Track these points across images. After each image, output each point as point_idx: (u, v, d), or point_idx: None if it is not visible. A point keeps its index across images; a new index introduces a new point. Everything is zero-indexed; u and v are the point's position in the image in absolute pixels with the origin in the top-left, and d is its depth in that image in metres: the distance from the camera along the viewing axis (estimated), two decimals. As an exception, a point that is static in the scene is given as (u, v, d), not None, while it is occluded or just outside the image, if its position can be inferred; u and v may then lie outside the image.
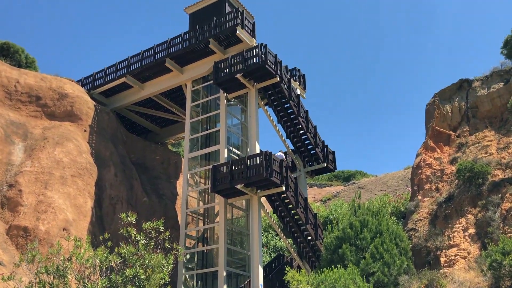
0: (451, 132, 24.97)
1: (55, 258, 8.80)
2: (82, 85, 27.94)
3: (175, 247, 9.56)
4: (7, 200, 18.37)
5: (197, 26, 24.87)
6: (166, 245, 9.35)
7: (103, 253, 8.83)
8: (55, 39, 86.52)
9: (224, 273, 20.77)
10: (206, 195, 25.53)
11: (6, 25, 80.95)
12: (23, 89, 23.22)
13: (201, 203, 25.43)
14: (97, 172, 22.25)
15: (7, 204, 18.28)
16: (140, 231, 9.68)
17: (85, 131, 23.89)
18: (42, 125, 22.74)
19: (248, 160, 20.95)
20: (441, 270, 17.30)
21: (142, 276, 8.26)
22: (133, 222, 9.50)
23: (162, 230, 9.49)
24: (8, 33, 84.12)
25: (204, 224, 24.76)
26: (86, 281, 8.16)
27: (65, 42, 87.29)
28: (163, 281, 8.59)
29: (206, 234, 24.83)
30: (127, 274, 8.27)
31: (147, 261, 8.71)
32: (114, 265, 9.05)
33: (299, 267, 22.66)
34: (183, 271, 22.13)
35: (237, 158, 23.05)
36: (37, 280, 8.40)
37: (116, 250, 9.29)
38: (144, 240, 9.11)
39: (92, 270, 8.65)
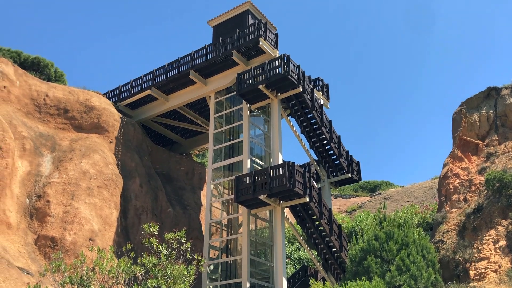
0: (479, 142, 24.38)
1: (79, 268, 8.93)
2: (109, 98, 28.52)
3: (196, 257, 9.56)
4: (35, 210, 18.80)
5: (220, 39, 25.13)
6: (188, 255, 9.36)
7: (126, 263, 8.90)
8: (83, 53, 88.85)
9: (248, 285, 20.68)
10: (230, 206, 25.58)
11: (37, 40, 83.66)
12: (51, 102, 23.85)
13: (224, 213, 25.48)
14: (122, 183, 22.58)
15: (36, 214, 18.71)
16: (163, 241, 9.74)
17: (111, 142, 24.32)
18: (69, 137, 23.26)
19: (271, 171, 20.92)
20: (470, 284, 16.80)
21: (164, 287, 8.29)
22: (156, 233, 9.56)
23: (184, 241, 9.52)
24: (38, 48, 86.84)
25: (227, 235, 24.76)
26: (108, 292, 8.23)
27: (92, 56, 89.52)
28: (185, 292, 8.60)
29: (229, 245, 24.81)
30: (149, 285, 8.31)
31: (169, 272, 8.74)
32: (137, 276, 9.11)
33: (323, 279, 22.38)
34: (207, 282, 22.14)
35: (260, 168, 23.05)
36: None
37: (139, 261, 9.36)
38: (166, 251, 9.15)
39: (115, 281, 8.73)
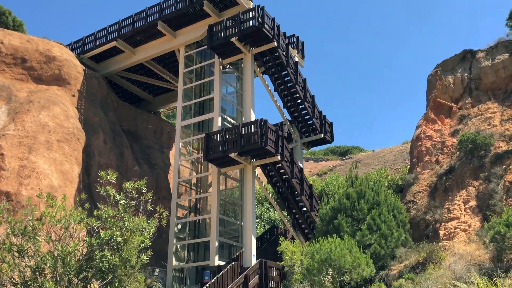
0: (453, 104, 24.16)
1: (27, 219, 8.04)
2: (72, 49, 26.83)
3: (158, 210, 8.78)
4: (-11, 164, 17.53)
5: (192, -12, 23.67)
6: (148, 207, 8.57)
7: (79, 214, 8.05)
8: (45, 2, 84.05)
9: (216, 244, 20.20)
10: (199, 165, 24.80)
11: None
12: (7, 50, 22.13)
13: (193, 173, 24.71)
14: (85, 138, 21.40)
15: (-11, 168, 17.45)
16: (122, 191, 8.88)
17: (73, 96, 22.92)
18: (28, 88, 21.75)
19: (243, 128, 20.13)
20: (440, 243, 16.72)
21: (119, 239, 7.52)
22: (113, 181, 8.70)
23: (144, 191, 8.70)
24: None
25: (196, 194, 24.09)
26: (57, 243, 7.40)
27: (54, 5, 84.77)
28: (143, 244, 7.84)
29: (198, 205, 24.19)
30: (102, 236, 7.51)
31: (126, 224, 7.93)
32: (92, 228, 8.28)
33: (293, 239, 22.11)
34: (174, 241, 21.56)
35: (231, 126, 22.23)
36: (7, 242, 7.65)
37: (95, 214, 8.51)
38: (124, 201, 8.33)
39: (67, 233, 7.88)
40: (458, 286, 10.88)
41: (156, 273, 20.51)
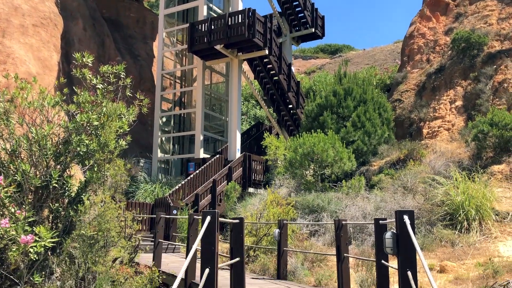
0: (450, 1, 23.07)
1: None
2: None
3: (139, 96, 8.40)
4: (-39, 48, 16.59)
5: None
6: (127, 92, 8.18)
7: (52, 97, 7.65)
8: None
9: (201, 137, 20.24)
10: (184, 58, 24.01)
11: None
12: None
13: (178, 65, 24.00)
14: (63, 24, 20.18)
15: (-38, 53, 16.57)
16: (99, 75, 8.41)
17: (47, -23, 21.18)
18: (-4, -34, 19.93)
19: (229, 18, 19.13)
20: (422, 141, 16.92)
21: (95, 123, 7.23)
22: (90, 64, 8.19)
23: (122, 76, 8.24)
24: None
25: (181, 88, 23.63)
26: (31, 125, 7.10)
27: None
28: (121, 130, 7.59)
29: (183, 99, 23.85)
30: (78, 120, 7.21)
31: (104, 110, 7.59)
32: (73, 116, 7.95)
33: (277, 135, 22.25)
34: (159, 134, 21.55)
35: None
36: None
37: (75, 99, 8.11)
38: (101, 85, 7.90)
39: (42, 117, 7.54)
40: (436, 180, 11.11)
41: (141, 164, 20.76)
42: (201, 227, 4.13)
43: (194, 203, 16.05)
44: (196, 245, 3.97)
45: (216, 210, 4.42)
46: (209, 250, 4.23)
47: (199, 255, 5.55)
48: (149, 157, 21.49)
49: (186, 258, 7.91)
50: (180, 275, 3.35)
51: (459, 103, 17.55)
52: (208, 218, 4.23)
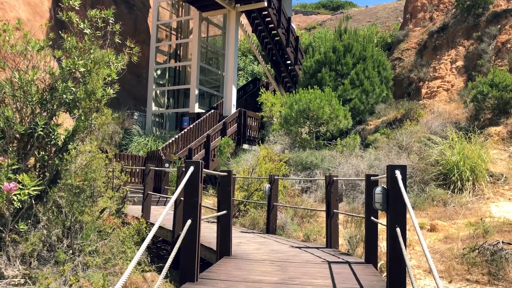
0: (458, -44, 22.17)
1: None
2: None
3: (129, 44, 8.06)
4: None
5: None
6: (116, 39, 7.82)
7: (37, 41, 7.31)
8: None
9: (196, 91, 19.90)
10: (181, 9, 23.27)
11: None
12: None
13: (174, 16, 23.30)
14: (54, -31, 19.37)
15: None
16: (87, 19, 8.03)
17: None
18: None
19: (228, -32, 18.37)
20: (420, 101, 16.67)
21: (82, 69, 6.94)
22: (77, 7, 7.80)
23: (111, 22, 7.86)
24: None
25: (177, 39, 23.04)
26: (15, 71, 6.81)
27: None
28: (109, 78, 7.31)
29: (179, 51, 23.32)
30: (63, 66, 6.92)
31: (92, 56, 7.28)
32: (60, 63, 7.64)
33: (274, 91, 21.92)
34: (154, 87, 21.18)
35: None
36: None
37: (64, 46, 7.76)
38: (89, 30, 7.54)
39: (26, 62, 7.23)
40: (432, 139, 10.96)
41: (135, 117, 20.51)
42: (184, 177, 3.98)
43: (187, 157, 15.95)
44: (177, 194, 3.82)
45: (200, 161, 4.25)
46: (192, 201, 4.10)
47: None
48: (144, 110, 21.21)
49: (173, 209, 7.83)
50: (158, 223, 3.21)
51: (460, 63, 17.17)
52: (191, 168, 4.06)
